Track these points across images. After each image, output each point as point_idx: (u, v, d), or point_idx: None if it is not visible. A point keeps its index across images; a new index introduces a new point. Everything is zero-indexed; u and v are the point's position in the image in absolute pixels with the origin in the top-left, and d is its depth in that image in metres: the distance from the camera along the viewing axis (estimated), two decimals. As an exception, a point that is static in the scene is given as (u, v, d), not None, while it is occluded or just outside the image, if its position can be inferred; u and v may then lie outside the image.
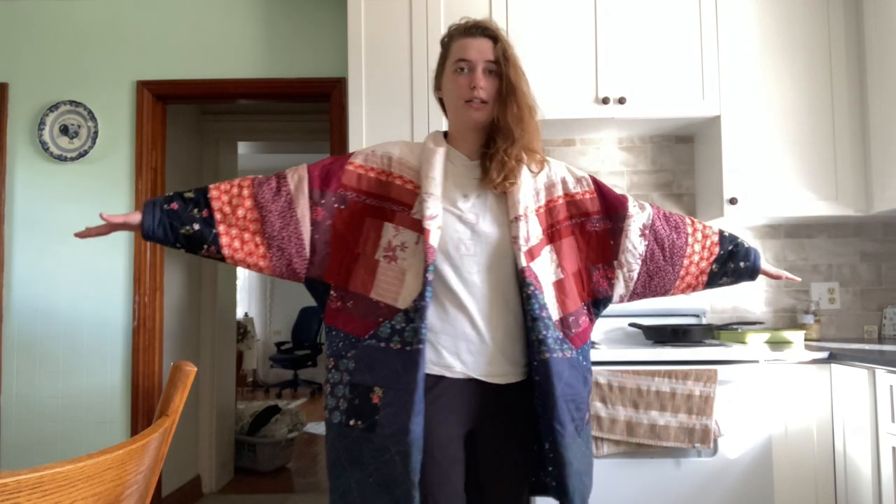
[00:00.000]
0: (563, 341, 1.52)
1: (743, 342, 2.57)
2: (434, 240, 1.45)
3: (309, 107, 4.26)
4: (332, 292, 1.51)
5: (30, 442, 3.09)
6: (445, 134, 1.61)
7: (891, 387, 2.10)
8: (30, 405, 3.10)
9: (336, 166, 1.58)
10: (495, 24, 1.56)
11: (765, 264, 1.73)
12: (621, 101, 2.67)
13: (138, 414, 3.10)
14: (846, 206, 2.67)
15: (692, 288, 1.69)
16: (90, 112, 3.16)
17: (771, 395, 2.34)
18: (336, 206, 1.54)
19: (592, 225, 1.62)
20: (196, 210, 1.49)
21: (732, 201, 2.66)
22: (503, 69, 1.50)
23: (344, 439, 1.44)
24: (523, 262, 1.48)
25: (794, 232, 3.01)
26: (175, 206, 1.49)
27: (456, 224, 1.49)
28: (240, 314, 8.05)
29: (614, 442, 2.26)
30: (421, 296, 1.42)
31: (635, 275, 1.63)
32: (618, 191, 1.68)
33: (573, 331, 1.55)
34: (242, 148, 4.96)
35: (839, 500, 2.31)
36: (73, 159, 3.15)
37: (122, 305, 3.15)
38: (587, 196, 1.63)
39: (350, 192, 1.55)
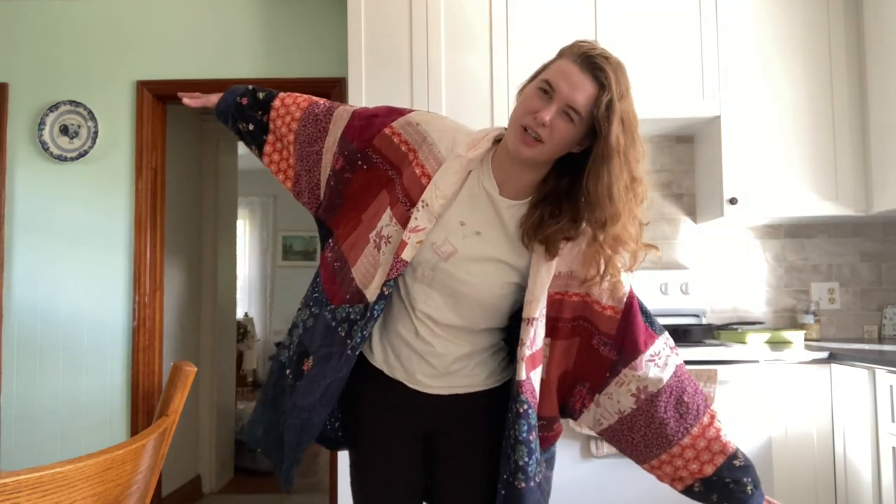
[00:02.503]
0: (539, 462, 1.36)
1: (743, 342, 2.57)
2: (408, 254, 1.31)
3: (309, 107, 4.25)
4: (330, 241, 1.49)
5: (30, 442, 3.09)
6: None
7: (891, 387, 2.10)
8: (30, 405, 3.10)
9: (378, 122, 1.43)
10: (618, 62, 1.25)
11: None
12: (621, 101, 2.67)
13: (138, 414, 3.10)
14: (846, 206, 2.67)
15: (664, 481, 1.41)
16: (90, 112, 3.15)
17: (771, 395, 2.34)
18: (360, 163, 1.42)
19: (598, 343, 1.37)
20: (259, 112, 1.55)
21: (732, 201, 2.66)
22: (600, 125, 1.21)
23: (279, 380, 1.49)
24: (523, 373, 1.30)
25: (794, 232, 3.01)
26: (245, 101, 1.56)
27: (425, 250, 1.34)
28: (240, 314, 8.04)
29: (614, 442, 2.26)
30: (374, 302, 1.33)
31: (606, 424, 1.40)
32: None
33: (541, 434, 1.39)
34: (242, 148, 4.95)
35: (839, 500, 2.31)
36: (73, 159, 3.15)
37: (122, 305, 3.15)
38: (608, 312, 1.35)
39: (377, 156, 1.41)
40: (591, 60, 1.23)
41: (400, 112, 1.44)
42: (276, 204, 7.65)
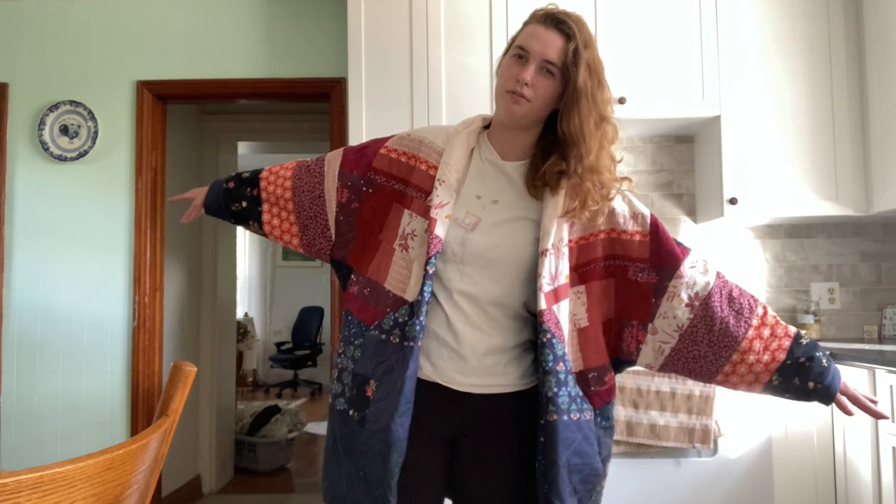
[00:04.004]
0: (582, 400, 1.36)
1: (743, 342, 2.57)
2: (440, 230, 1.36)
3: (309, 107, 4.26)
4: (352, 276, 1.49)
5: (30, 442, 3.09)
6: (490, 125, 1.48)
7: (891, 387, 2.10)
8: (30, 405, 3.10)
9: (372, 149, 1.52)
10: (578, 17, 1.38)
11: (848, 388, 1.38)
12: (621, 101, 2.67)
13: (138, 414, 3.10)
14: (846, 206, 2.67)
15: (739, 388, 1.41)
16: (90, 112, 3.16)
17: (771, 395, 2.34)
18: (364, 189, 1.49)
19: (635, 273, 1.42)
20: (248, 189, 1.60)
21: (732, 201, 2.66)
22: (569, 71, 1.33)
23: (344, 427, 1.42)
24: (543, 303, 1.33)
25: (794, 232, 3.01)
26: (232, 185, 1.62)
27: (450, 228, 1.39)
28: (240, 314, 8.05)
29: (614, 442, 2.26)
30: (420, 290, 1.34)
31: (668, 349, 1.41)
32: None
33: (593, 388, 1.38)
34: (242, 148, 4.96)
35: (839, 500, 2.31)
36: (73, 159, 3.15)
37: (122, 305, 3.15)
38: (636, 238, 1.42)
39: (379, 176, 1.49)
40: (553, 17, 1.37)
41: (388, 137, 1.55)
42: (276, 204, 7.63)
